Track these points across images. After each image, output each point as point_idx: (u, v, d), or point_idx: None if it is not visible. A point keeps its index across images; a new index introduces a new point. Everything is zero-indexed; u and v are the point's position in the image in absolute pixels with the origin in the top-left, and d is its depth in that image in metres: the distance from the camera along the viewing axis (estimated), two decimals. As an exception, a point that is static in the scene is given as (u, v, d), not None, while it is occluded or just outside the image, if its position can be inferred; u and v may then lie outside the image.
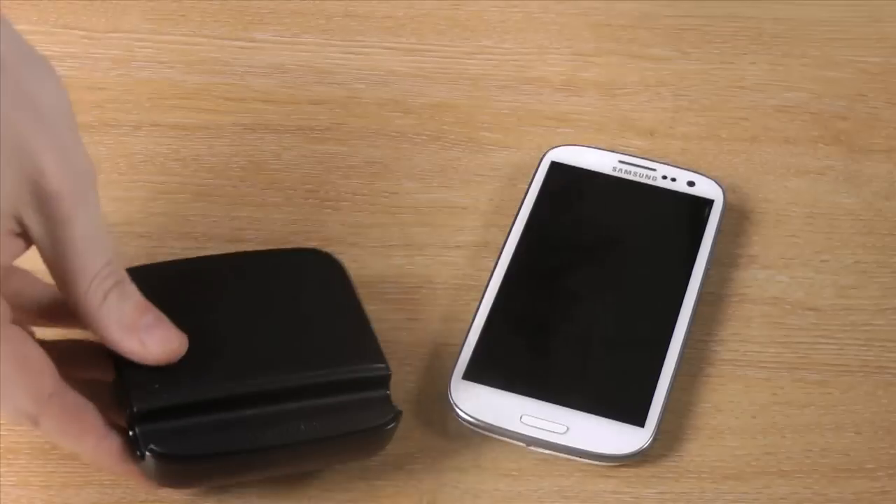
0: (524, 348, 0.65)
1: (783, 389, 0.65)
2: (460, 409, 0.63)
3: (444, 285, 0.68)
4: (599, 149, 0.72)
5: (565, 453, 0.62)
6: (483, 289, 0.66)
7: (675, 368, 0.64)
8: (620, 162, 0.71)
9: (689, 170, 0.71)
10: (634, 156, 0.71)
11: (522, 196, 0.70)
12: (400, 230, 0.70)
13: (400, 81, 0.77)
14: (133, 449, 0.58)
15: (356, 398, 0.60)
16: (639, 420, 0.62)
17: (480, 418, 0.63)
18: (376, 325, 0.64)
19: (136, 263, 0.67)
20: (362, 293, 0.65)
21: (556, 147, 0.72)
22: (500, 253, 0.68)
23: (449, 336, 0.66)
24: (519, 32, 0.79)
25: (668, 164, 0.71)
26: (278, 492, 0.61)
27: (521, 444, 0.62)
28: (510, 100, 0.76)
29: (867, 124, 0.76)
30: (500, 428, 0.62)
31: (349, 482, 0.62)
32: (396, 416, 0.60)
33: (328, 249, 0.65)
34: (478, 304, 0.66)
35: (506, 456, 0.63)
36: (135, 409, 0.57)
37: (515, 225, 0.69)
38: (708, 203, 0.70)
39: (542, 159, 0.71)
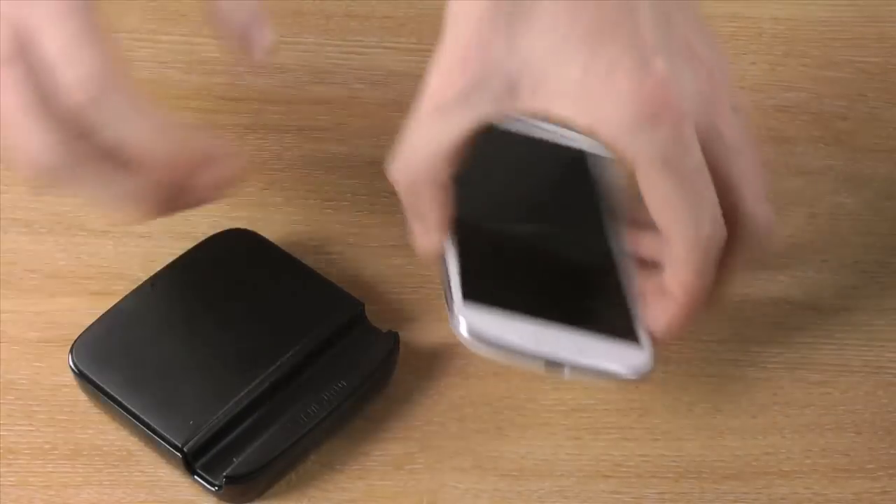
0: (515, 271, 0.62)
1: (783, 389, 0.65)
2: (473, 330, 0.58)
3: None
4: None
5: (582, 375, 0.59)
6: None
7: (634, 279, 0.62)
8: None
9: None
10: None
11: None
12: (400, 230, 0.70)
13: (400, 81, 0.76)
14: (205, 486, 0.60)
15: (349, 342, 0.63)
16: (635, 339, 0.60)
17: (498, 338, 0.58)
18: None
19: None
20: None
21: None
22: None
23: (449, 336, 0.66)
24: (519, 32, 0.79)
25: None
26: (278, 492, 0.61)
27: (536, 367, 0.59)
28: (510, 100, 0.76)
29: (867, 124, 0.76)
30: (519, 349, 0.58)
31: (349, 482, 0.62)
32: (395, 338, 0.64)
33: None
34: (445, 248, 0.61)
35: (506, 456, 0.63)
36: (186, 451, 0.59)
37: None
38: None
39: None
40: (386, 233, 0.70)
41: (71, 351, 0.63)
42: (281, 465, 0.60)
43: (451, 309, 0.59)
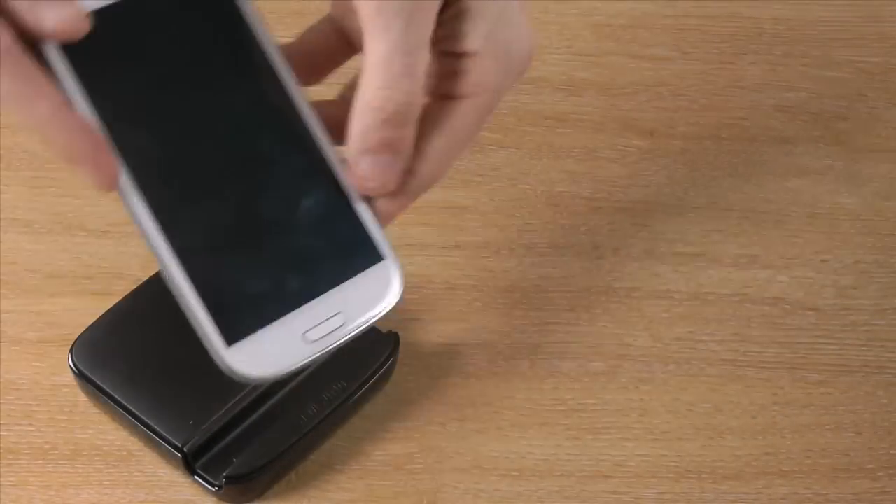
0: (243, 265, 0.54)
1: (783, 390, 0.65)
2: (248, 373, 0.52)
3: (444, 285, 0.68)
4: None
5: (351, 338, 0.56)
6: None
7: (356, 191, 0.56)
8: None
9: None
10: None
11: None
12: (400, 230, 0.70)
13: (400, 81, 0.76)
14: (205, 486, 0.60)
15: (349, 342, 0.60)
16: (374, 257, 0.55)
17: (273, 370, 0.53)
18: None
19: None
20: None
21: None
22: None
23: (449, 336, 0.66)
24: (519, 32, 0.79)
25: None
26: (278, 492, 0.61)
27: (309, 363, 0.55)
28: (510, 100, 0.76)
29: (867, 124, 0.76)
30: (293, 364, 0.53)
31: (349, 482, 0.62)
32: (395, 338, 0.63)
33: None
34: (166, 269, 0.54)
35: (506, 456, 0.63)
36: (186, 451, 0.60)
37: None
38: None
39: None
40: (386, 233, 0.70)
41: (71, 351, 0.63)
42: (281, 465, 0.60)
43: (214, 351, 0.53)
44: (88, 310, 0.64)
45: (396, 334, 0.64)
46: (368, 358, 0.63)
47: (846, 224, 0.72)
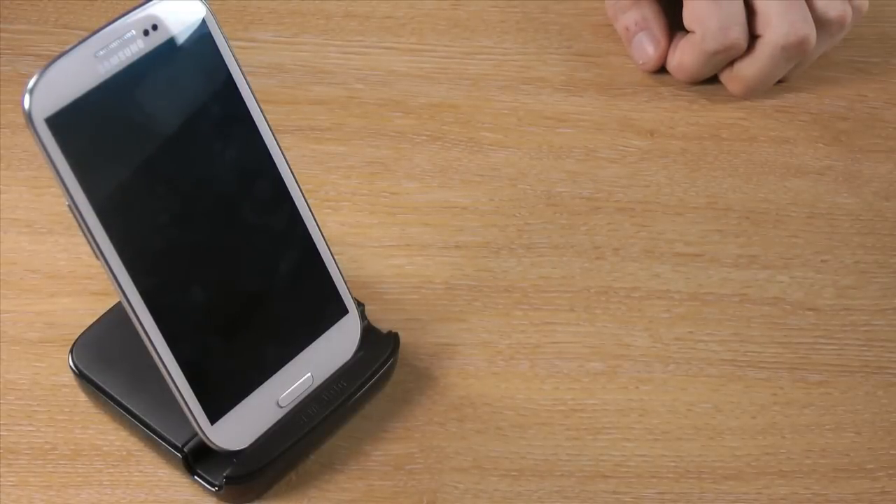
0: (224, 342, 0.59)
1: (783, 390, 0.65)
2: (229, 447, 0.59)
3: (444, 285, 0.68)
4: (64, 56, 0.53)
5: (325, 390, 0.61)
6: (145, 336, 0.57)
7: (326, 243, 0.61)
8: (96, 56, 0.53)
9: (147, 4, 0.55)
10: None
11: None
12: (400, 230, 0.70)
13: (400, 81, 0.77)
14: (205, 486, 0.60)
15: None
16: (341, 310, 0.61)
17: (249, 438, 0.59)
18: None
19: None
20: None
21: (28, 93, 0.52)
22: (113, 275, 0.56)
23: (449, 336, 0.66)
24: (519, 32, 0.79)
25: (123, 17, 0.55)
26: (278, 492, 0.61)
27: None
28: (510, 100, 0.76)
29: (867, 124, 0.76)
30: (265, 427, 0.60)
31: (349, 482, 0.62)
32: (395, 338, 0.63)
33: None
34: (156, 354, 0.57)
35: (506, 456, 0.63)
36: (186, 451, 0.60)
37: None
38: (200, 27, 0.58)
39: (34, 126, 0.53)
40: (386, 233, 0.70)
41: (71, 351, 0.63)
42: (281, 465, 0.60)
43: (199, 428, 0.58)
44: (88, 310, 0.65)
45: (396, 334, 0.64)
46: (368, 358, 0.63)
47: (846, 224, 0.72)
